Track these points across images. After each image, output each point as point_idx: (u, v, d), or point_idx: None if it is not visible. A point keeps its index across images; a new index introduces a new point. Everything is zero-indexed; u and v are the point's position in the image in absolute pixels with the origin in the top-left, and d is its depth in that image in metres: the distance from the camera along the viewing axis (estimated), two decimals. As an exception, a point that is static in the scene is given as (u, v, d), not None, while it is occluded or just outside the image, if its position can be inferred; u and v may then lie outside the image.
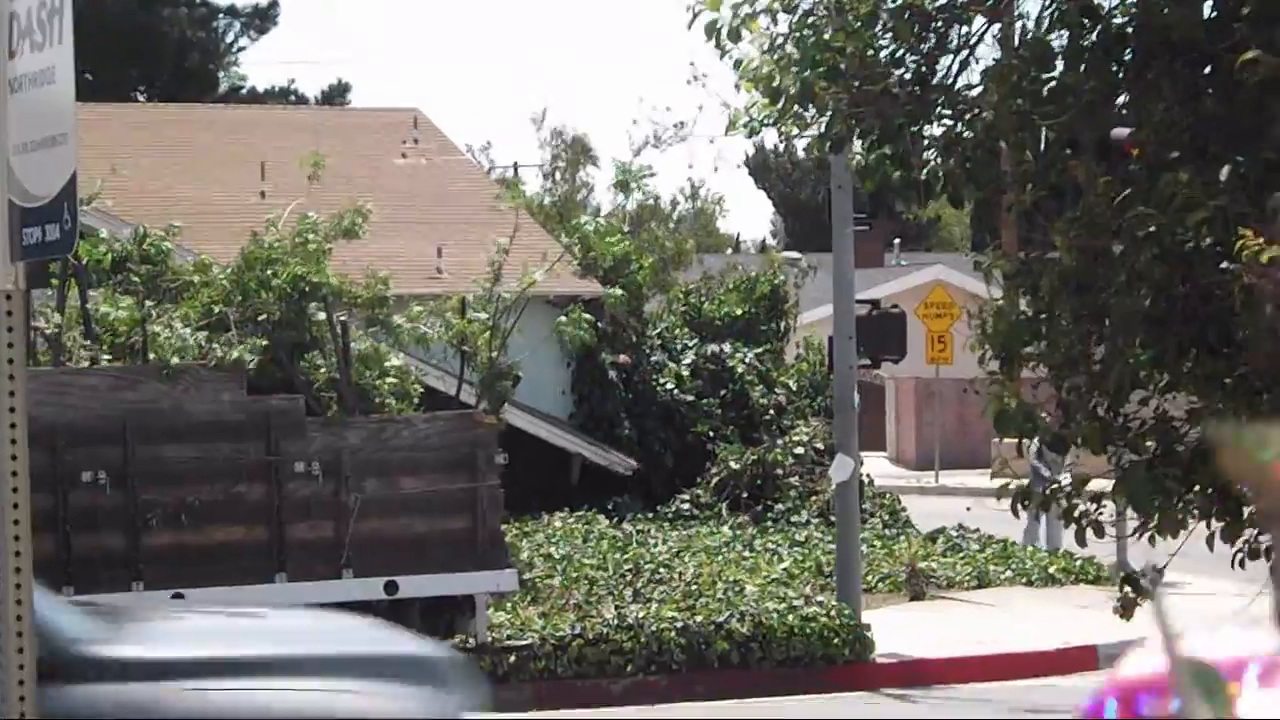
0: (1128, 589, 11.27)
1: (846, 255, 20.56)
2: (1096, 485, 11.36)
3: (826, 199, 21.15)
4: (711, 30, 11.84)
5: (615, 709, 18.28)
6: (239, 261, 19.65)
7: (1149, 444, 10.98)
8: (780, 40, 11.74)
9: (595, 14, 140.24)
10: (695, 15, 11.86)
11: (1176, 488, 10.69)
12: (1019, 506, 11.35)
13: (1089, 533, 11.19)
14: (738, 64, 11.84)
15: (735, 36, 11.79)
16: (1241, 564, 10.94)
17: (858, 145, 12.02)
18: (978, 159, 11.38)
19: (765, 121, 11.97)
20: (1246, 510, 10.70)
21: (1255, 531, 10.82)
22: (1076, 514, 11.10)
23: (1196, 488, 10.80)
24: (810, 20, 11.67)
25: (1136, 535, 11.03)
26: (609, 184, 26.20)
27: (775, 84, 11.64)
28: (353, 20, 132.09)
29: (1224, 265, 10.00)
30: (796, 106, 11.69)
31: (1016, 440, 11.35)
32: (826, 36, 11.50)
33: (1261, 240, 9.57)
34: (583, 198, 52.59)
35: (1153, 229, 10.18)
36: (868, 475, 29.94)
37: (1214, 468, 10.48)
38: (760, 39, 11.80)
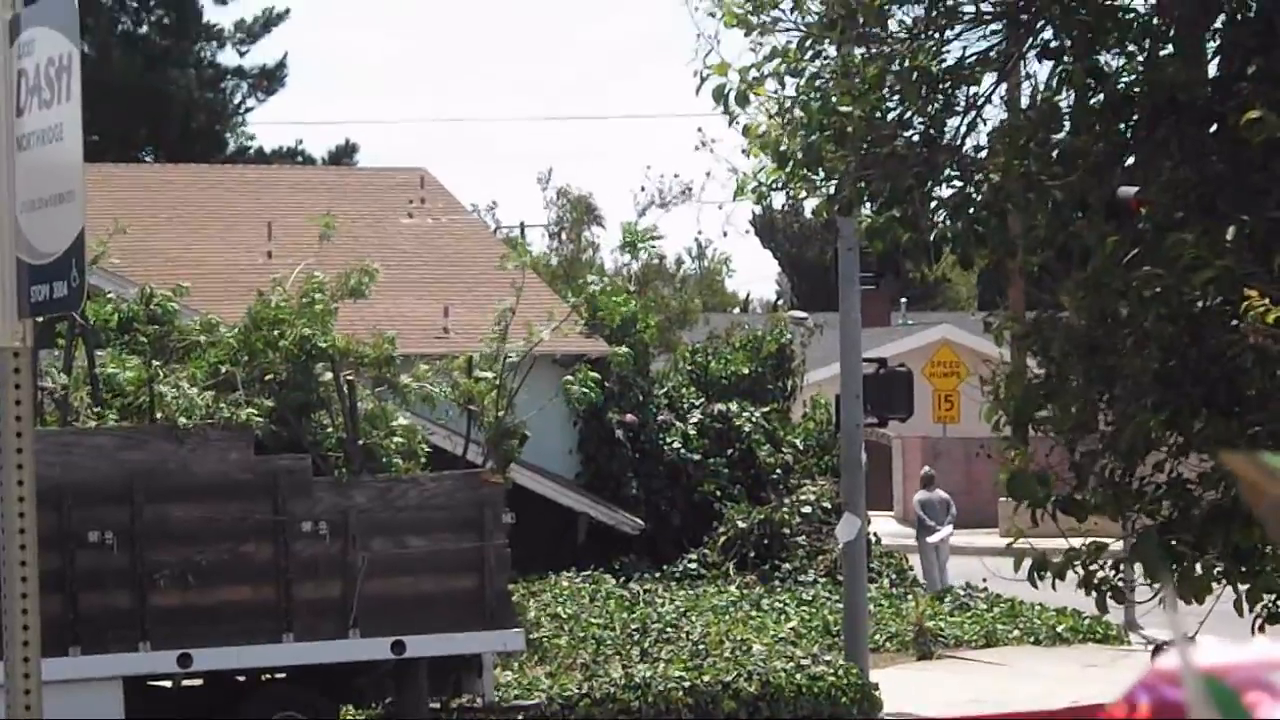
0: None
1: (853, 314, 20.52)
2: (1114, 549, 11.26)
3: (833, 259, 21.14)
4: (719, 95, 11.88)
5: (623, 770, 18.22)
6: (246, 321, 19.66)
7: (1163, 508, 10.92)
8: (788, 104, 11.76)
9: (605, 79, 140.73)
10: (703, 80, 11.90)
11: (1189, 553, 10.61)
12: (1036, 576, 11.20)
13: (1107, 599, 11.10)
14: (746, 129, 11.87)
15: (743, 101, 11.82)
16: (1261, 628, 10.81)
17: (866, 208, 12.02)
18: (986, 220, 11.38)
19: (773, 186, 11.99)
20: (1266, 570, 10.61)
21: (1275, 596, 10.74)
22: (1096, 580, 11.01)
23: (1211, 551, 10.70)
24: (817, 84, 11.69)
25: (1158, 602, 10.88)
26: (616, 245, 26.24)
27: (783, 148, 11.66)
28: (360, 82, 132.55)
29: (1233, 323, 9.98)
30: (804, 170, 11.70)
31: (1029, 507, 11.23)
32: (834, 100, 11.51)
33: (1267, 301, 9.56)
34: (588, 257, 52.57)
35: (1159, 289, 10.16)
36: (875, 534, 29.86)
37: (1228, 530, 10.45)
38: (768, 104, 11.83)
